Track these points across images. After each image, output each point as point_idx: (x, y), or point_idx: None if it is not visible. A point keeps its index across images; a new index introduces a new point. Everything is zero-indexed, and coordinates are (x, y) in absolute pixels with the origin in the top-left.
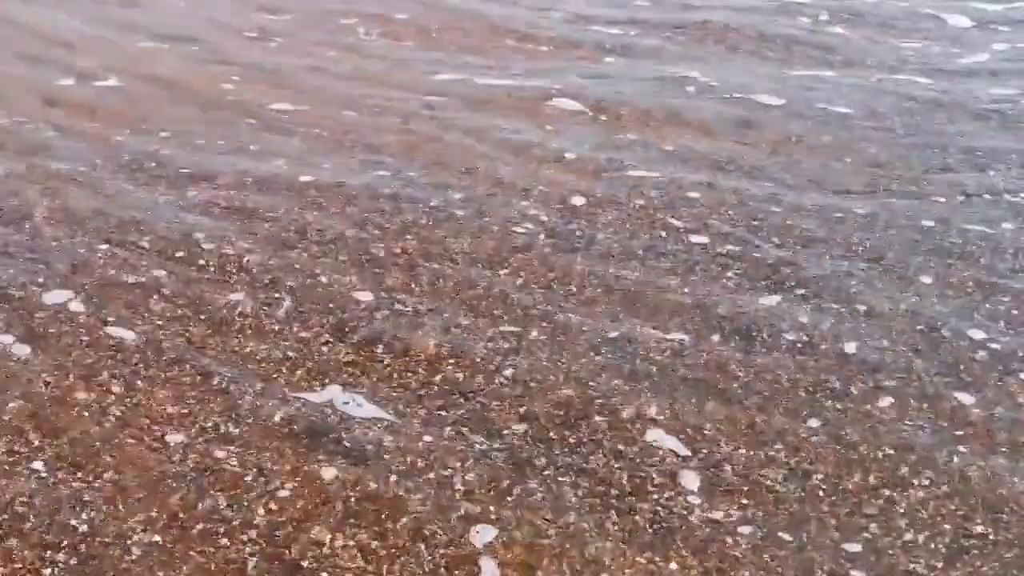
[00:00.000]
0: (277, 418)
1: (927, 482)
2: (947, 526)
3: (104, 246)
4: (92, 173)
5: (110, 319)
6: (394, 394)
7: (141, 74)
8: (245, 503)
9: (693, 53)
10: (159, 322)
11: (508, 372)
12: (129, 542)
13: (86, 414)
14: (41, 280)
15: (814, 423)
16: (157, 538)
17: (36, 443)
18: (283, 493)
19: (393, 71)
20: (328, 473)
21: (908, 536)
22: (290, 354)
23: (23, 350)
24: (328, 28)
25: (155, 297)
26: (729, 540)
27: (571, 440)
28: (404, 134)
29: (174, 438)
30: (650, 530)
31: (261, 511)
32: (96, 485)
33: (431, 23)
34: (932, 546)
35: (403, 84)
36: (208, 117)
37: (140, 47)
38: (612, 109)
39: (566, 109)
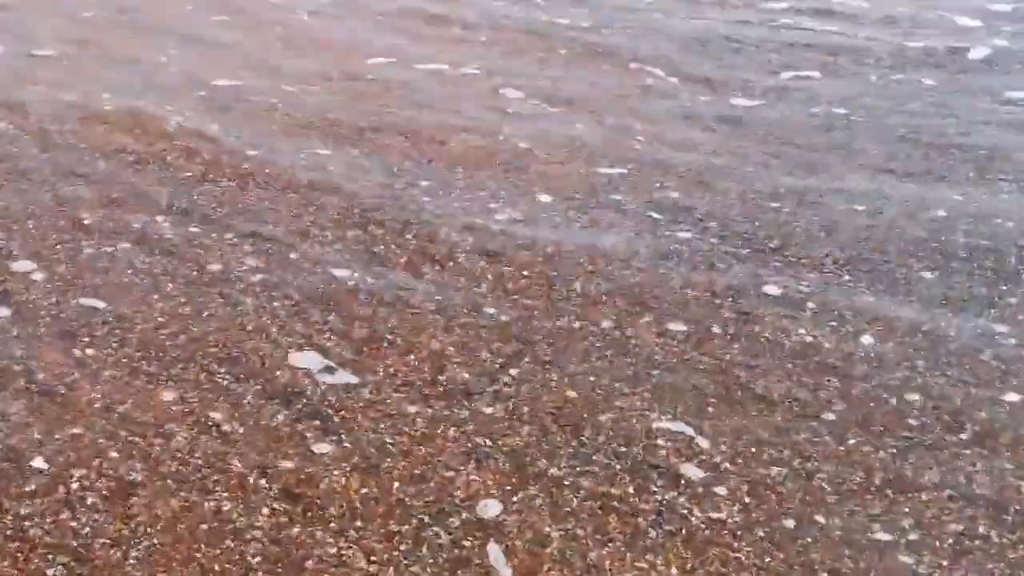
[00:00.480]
0: (281, 417)
1: (931, 483)
2: (952, 527)
3: (101, 246)
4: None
5: (111, 318)
6: (397, 394)
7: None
8: (249, 504)
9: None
10: (160, 319)
11: (513, 373)
12: (131, 543)
13: (88, 412)
14: (38, 279)
15: (818, 423)
16: (160, 539)
17: (39, 440)
18: (287, 494)
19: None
20: (332, 474)
21: (912, 536)
22: (293, 352)
23: (24, 350)
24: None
25: (156, 295)
26: (731, 542)
27: (573, 442)
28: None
29: (177, 437)
30: (652, 533)
31: (265, 511)
32: (98, 485)
33: None
34: (936, 546)
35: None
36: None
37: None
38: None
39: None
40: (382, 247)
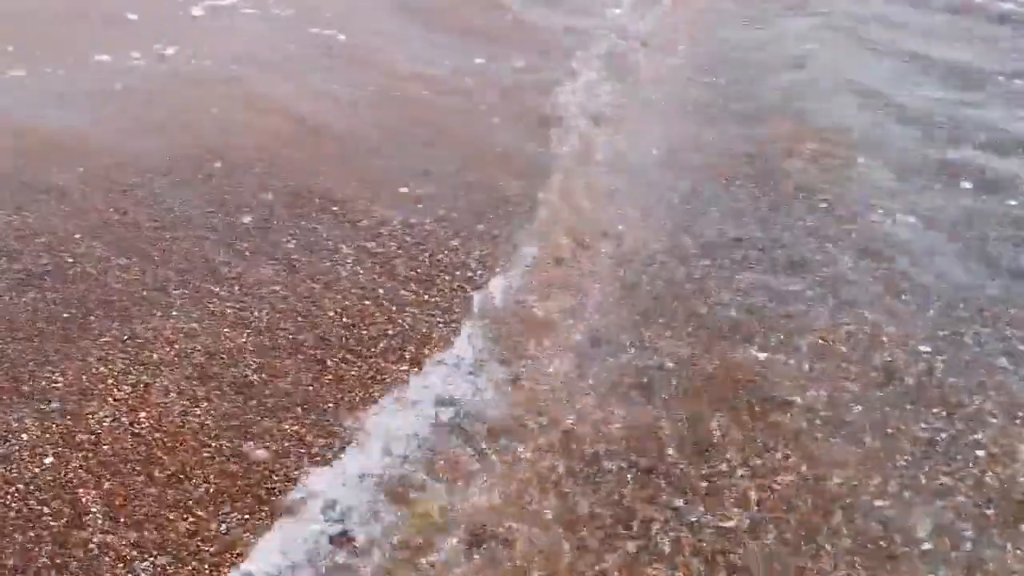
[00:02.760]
0: (289, 432)
1: (945, 488)
2: (967, 533)
3: (122, 260)
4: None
5: (125, 336)
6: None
7: None
8: (256, 522)
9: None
10: (171, 334)
11: (528, 385)
12: (139, 561)
13: (99, 431)
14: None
15: (831, 428)
16: (167, 560)
17: (49, 461)
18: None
19: None
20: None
21: (927, 545)
22: (302, 374)
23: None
24: None
25: (171, 313)
26: (739, 549)
27: (587, 452)
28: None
29: (185, 458)
30: (662, 540)
31: (272, 530)
32: (106, 507)
33: None
34: (952, 556)
35: None
36: None
37: None
38: None
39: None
40: (398, 263)
